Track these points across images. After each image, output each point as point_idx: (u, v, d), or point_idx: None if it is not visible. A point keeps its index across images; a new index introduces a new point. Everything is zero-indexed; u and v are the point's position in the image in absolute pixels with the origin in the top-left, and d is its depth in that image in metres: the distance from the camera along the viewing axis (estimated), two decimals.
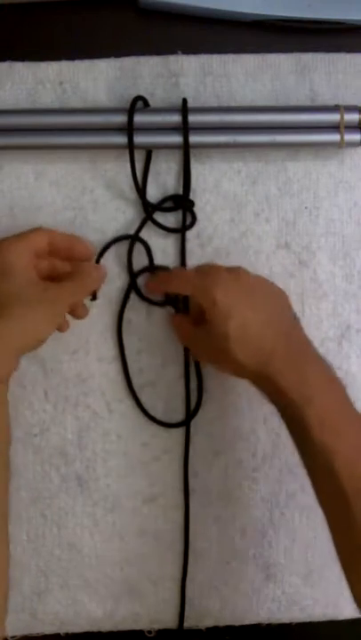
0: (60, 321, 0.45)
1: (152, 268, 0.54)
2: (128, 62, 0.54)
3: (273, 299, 0.48)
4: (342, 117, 0.52)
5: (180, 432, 0.55)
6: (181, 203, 0.54)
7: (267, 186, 0.55)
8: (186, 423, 0.55)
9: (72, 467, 0.55)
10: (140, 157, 0.53)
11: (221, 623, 0.56)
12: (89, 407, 0.55)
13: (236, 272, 0.47)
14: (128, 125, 0.51)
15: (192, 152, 0.53)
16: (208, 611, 0.56)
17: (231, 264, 0.54)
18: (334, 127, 0.53)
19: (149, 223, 0.54)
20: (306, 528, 0.56)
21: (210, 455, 0.55)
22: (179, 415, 0.55)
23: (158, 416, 0.55)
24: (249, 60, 0.55)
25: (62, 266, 0.50)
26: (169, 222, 0.54)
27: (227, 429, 0.55)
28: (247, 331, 0.45)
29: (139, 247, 0.54)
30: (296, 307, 0.54)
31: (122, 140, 0.52)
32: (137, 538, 0.55)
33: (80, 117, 0.53)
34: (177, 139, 0.52)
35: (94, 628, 0.56)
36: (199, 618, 0.56)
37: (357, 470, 0.41)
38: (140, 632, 0.56)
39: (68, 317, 0.51)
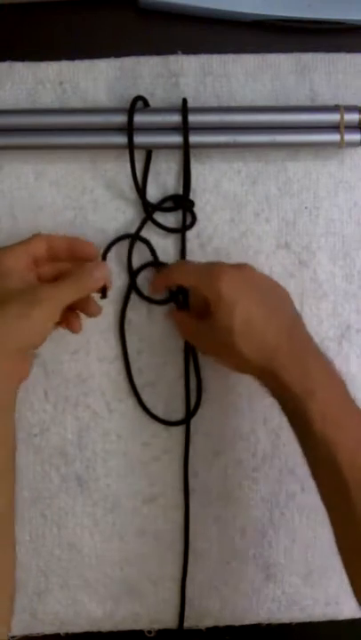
0: (56, 319, 0.45)
1: (156, 264, 0.54)
2: (128, 62, 0.54)
3: (277, 294, 0.48)
4: (342, 117, 0.52)
5: (180, 432, 0.55)
6: (181, 203, 0.54)
7: (267, 186, 0.55)
8: (186, 422, 0.55)
9: (72, 467, 0.55)
10: (140, 157, 0.53)
11: (221, 623, 0.56)
12: (89, 407, 0.55)
13: (241, 268, 0.48)
14: (128, 125, 0.51)
15: (192, 152, 0.53)
16: (208, 611, 0.56)
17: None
18: (334, 127, 0.53)
19: (149, 223, 0.54)
20: (306, 528, 0.56)
21: (210, 455, 0.55)
22: (179, 415, 0.55)
23: (158, 416, 0.55)
24: (249, 60, 0.55)
25: (68, 268, 0.50)
26: (169, 222, 0.54)
27: (227, 429, 0.55)
28: (252, 325, 0.45)
29: (138, 248, 0.54)
30: (296, 307, 0.54)
31: (122, 140, 0.52)
32: (137, 538, 0.55)
33: (80, 117, 0.53)
34: (177, 139, 0.52)
35: (94, 628, 0.56)
36: (199, 618, 0.56)
37: (359, 462, 0.41)
38: (140, 632, 0.56)
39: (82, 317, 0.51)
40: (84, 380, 0.55)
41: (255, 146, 0.54)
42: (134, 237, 0.53)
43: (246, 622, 0.56)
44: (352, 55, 0.55)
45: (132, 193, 0.54)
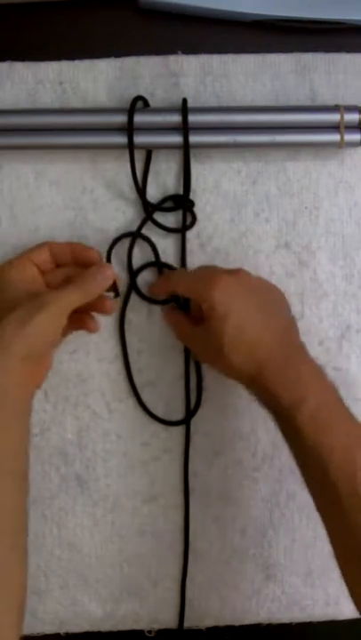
0: (63, 323, 0.46)
1: (156, 264, 0.54)
2: (128, 62, 0.54)
3: (272, 299, 0.48)
4: (342, 117, 0.52)
5: (180, 432, 0.55)
6: (181, 203, 0.54)
7: (267, 186, 0.55)
8: (186, 422, 0.55)
9: (72, 467, 0.55)
10: (140, 157, 0.53)
11: (221, 623, 0.56)
12: (89, 407, 0.55)
13: (236, 274, 0.47)
14: (128, 125, 0.51)
15: (192, 152, 0.53)
16: (208, 611, 0.56)
17: (231, 264, 0.54)
18: (334, 127, 0.53)
19: (149, 223, 0.54)
20: (306, 528, 0.56)
21: (210, 455, 0.55)
22: (179, 415, 0.55)
23: (158, 416, 0.55)
24: (249, 60, 0.55)
25: (75, 272, 0.50)
26: (169, 222, 0.54)
27: (227, 429, 0.55)
28: (242, 336, 0.45)
29: (138, 248, 0.54)
30: (296, 307, 0.54)
31: (122, 140, 0.52)
32: (137, 538, 0.55)
33: (80, 117, 0.53)
34: (177, 139, 0.52)
35: (94, 628, 0.56)
36: (199, 618, 0.56)
37: (349, 469, 0.41)
38: (140, 632, 0.56)
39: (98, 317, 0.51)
40: (83, 380, 0.55)
41: (255, 146, 0.54)
42: (135, 235, 0.53)
43: (246, 622, 0.56)
44: (352, 55, 0.55)
45: (132, 193, 0.54)
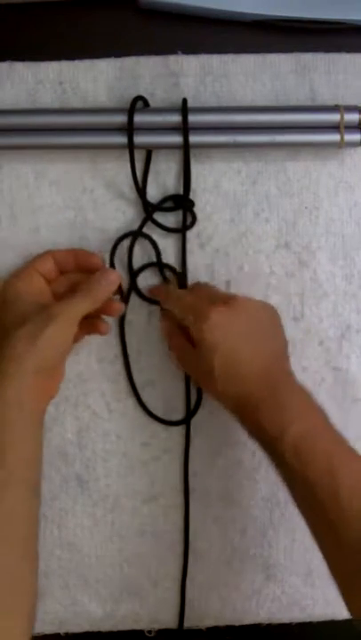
0: (73, 332, 0.46)
1: (158, 265, 0.54)
2: (128, 62, 0.54)
3: (264, 327, 0.48)
4: (342, 117, 0.52)
5: (179, 432, 0.55)
6: (181, 203, 0.54)
7: (267, 186, 0.55)
8: (186, 422, 0.55)
9: (72, 467, 0.55)
10: (140, 157, 0.53)
11: (221, 623, 0.56)
12: (89, 407, 0.55)
13: (230, 304, 0.47)
14: (128, 125, 0.51)
15: (192, 152, 0.53)
16: (208, 611, 0.56)
17: (231, 264, 0.54)
18: (334, 127, 0.53)
19: (149, 223, 0.54)
20: (306, 528, 0.55)
21: (210, 455, 0.55)
22: (179, 415, 0.55)
23: (158, 416, 0.55)
24: (249, 60, 0.55)
25: (81, 279, 0.50)
26: (169, 222, 0.54)
27: (227, 429, 0.55)
28: (230, 370, 0.46)
29: (137, 248, 0.54)
30: (296, 307, 0.54)
31: (122, 140, 0.52)
32: (137, 538, 0.55)
33: (80, 117, 0.52)
34: (177, 139, 0.52)
35: (94, 628, 0.56)
36: (199, 618, 0.56)
37: (336, 490, 0.41)
38: (140, 632, 0.56)
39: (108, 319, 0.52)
40: (84, 380, 0.55)
41: (255, 146, 0.54)
42: (136, 234, 0.53)
43: (246, 622, 0.56)
44: (352, 55, 0.55)
45: (132, 193, 0.54)
